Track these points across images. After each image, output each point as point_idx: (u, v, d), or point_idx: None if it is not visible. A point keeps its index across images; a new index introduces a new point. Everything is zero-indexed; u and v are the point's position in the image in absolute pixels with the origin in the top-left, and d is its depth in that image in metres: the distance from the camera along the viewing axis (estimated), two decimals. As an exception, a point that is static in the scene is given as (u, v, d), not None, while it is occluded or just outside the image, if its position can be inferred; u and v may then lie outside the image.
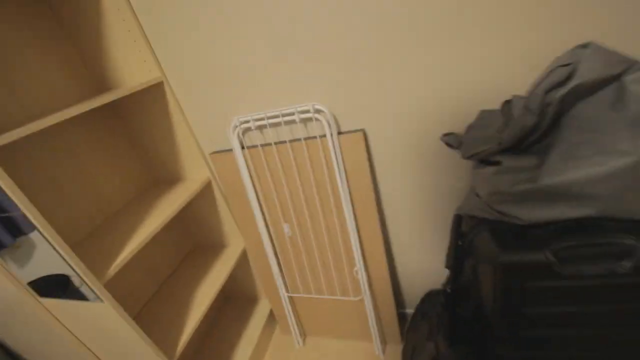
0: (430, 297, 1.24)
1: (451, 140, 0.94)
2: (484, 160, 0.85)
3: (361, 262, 1.21)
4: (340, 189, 1.10)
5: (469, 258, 0.96)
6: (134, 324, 0.94)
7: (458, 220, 1.05)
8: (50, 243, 0.77)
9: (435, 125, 0.99)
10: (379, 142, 1.06)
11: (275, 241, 1.32)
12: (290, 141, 1.09)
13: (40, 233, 0.76)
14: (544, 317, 0.87)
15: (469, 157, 0.87)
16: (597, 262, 0.75)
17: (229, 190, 1.27)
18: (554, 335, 0.90)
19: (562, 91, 0.69)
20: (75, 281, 0.84)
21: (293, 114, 1.04)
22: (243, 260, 1.55)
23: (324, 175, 1.11)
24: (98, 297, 0.86)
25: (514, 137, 0.75)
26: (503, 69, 0.86)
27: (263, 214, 1.27)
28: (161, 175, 1.37)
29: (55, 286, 0.88)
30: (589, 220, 0.78)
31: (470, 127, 0.91)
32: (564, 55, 0.73)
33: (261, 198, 1.24)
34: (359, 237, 1.18)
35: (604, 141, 0.67)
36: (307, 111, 1.03)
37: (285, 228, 1.27)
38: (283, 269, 1.37)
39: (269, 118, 1.08)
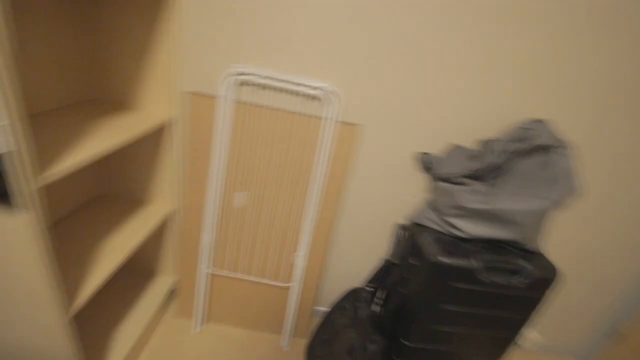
0: (351, 294, 1.35)
1: (426, 159, 1.13)
2: (448, 180, 1.06)
3: (306, 249, 1.24)
4: (316, 174, 1.14)
5: (410, 257, 1.13)
6: (51, 252, 0.72)
7: (401, 227, 1.23)
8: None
9: (413, 144, 1.17)
10: (368, 142, 1.17)
11: (219, 210, 1.22)
12: (287, 112, 1.09)
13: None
14: (453, 315, 1.10)
15: (441, 176, 1.07)
16: (504, 275, 1.02)
17: (192, 140, 1.14)
18: (454, 332, 1.14)
19: (519, 146, 0.97)
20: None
21: (305, 86, 1.06)
22: (162, 225, 1.35)
23: (304, 155, 1.14)
24: (24, 204, 0.63)
25: (483, 169, 0.98)
26: (482, 119, 1.11)
27: (220, 176, 1.17)
28: (107, 93, 1.11)
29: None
30: (501, 243, 1.06)
31: (444, 154, 1.13)
32: (526, 122, 1.03)
33: (225, 159, 1.15)
34: (316, 223, 1.22)
35: (534, 188, 0.96)
36: (320, 90, 1.06)
37: (238, 197, 1.20)
38: (215, 242, 1.27)
39: (277, 80, 1.05)
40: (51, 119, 0.92)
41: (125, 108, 1.12)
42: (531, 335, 1.55)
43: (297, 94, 1.09)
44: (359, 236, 1.36)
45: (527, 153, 0.99)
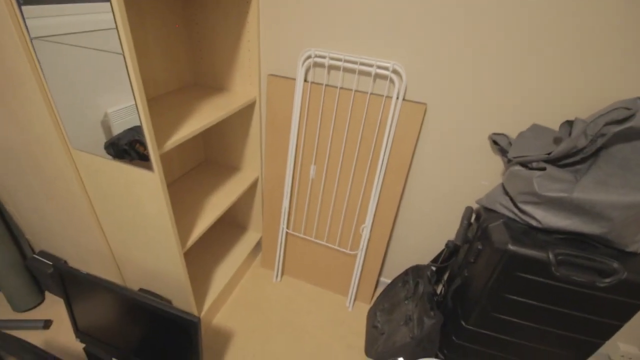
0: (414, 270, 1.39)
1: (500, 140, 1.05)
2: (524, 165, 0.97)
3: (371, 221, 1.31)
4: (382, 150, 1.18)
5: (477, 242, 1.10)
6: (169, 200, 0.96)
7: (470, 211, 1.18)
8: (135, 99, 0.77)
9: (487, 125, 1.09)
10: (434, 121, 1.15)
11: (297, 179, 1.38)
12: (355, 91, 1.14)
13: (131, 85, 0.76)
14: (519, 306, 1.04)
15: (515, 158, 0.99)
16: (584, 273, 0.92)
17: (272, 117, 1.29)
18: (519, 323, 1.08)
19: (618, 128, 0.82)
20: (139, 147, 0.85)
21: (371, 65, 1.09)
22: (250, 188, 1.59)
23: (372, 133, 1.18)
24: (151, 166, 0.87)
25: (563, 153, 0.88)
26: (574, 93, 0.97)
27: (296, 150, 1.31)
28: (205, 78, 1.35)
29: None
30: (585, 238, 0.94)
31: (521, 135, 1.03)
32: (627, 101, 0.86)
33: (300, 134, 1.28)
34: (379, 198, 1.28)
35: (631, 178, 0.82)
36: (386, 68, 1.08)
37: (313, 170, 1.33)
38: (292, 207, 1.44)
39: (345, 61, 1.11)
40: (165, 101, 1.18)
41: (221, 90, 1.33)
42: (623, 348, 1.33)
43: (365, 73, 1.13)
44: (427, 215, 1.36)
45: (626, 137, 0.83)
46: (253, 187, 1.57)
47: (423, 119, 1.14)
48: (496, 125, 1.09)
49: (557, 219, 0.92)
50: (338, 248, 1.45)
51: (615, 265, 0.90)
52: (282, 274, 1.66)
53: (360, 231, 1.37)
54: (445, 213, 1.33)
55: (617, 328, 1.00)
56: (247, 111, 1.36)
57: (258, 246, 1.74)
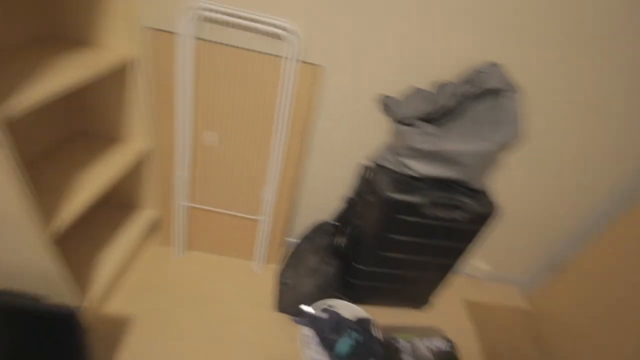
0: (318, 227, 1.49)
1: (388, 101, 1.17)
2: (403, 122, 1.11)
3: (275, 184, 1.33)
4: (282, 113, 1.18)
5: (368, 194, 1.23)
6: (26, 180, 0.79)
7: (365, 168, 1.31)
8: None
9: (378, 87, 1.19)
10: (331, 82, 1.19)
11: (191, 147, 1.28)
12: (251, 51, 1.09)
13: None
14: (400, 243, 1.23)
15: (397, 118, 1.12)
16: (447, 210, 1.13)
17: (157, 79, 1.15)
18: (400, 258, 1.28)
19: (472, 90, 1.00)
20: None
21: (265, 23, 1.05)
22: (138, 162, 1.42)
23: (270, 95, 1.17)
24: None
25: (435, 112, 1.03)
26: (441, 61, 1.12)
27: (187, 115, 1.21)
28: (64, 29, 1.09)
29: None
30: (448, 181, 1.15)
31: (403, 97, 1.16)
32: (484, 66, 1.05)
33: (190, 98, 1.18)
34: (281, 161, 1.30)
35: (481, 130, 1.02)
36: (283, 28, 1.06)
37: (208, 136, 1.25)
38: (190, 178, 1.35)
39: (237, 17, 1.04)
40: (5, 57, 0.93)
41: (84, 44, 1.11)
42: (479, 264, 1.73)
43: (260, 32, 1.08)
44: (327, 174, 1.45)
45: (478, 96, 1.03)
46: (141, 160, 1.40)
47: (320, 81, 1.17)
48: (385, 88, 1.19)
49: (429, 168, 1.09)
50: (243, 215, 1.44)
51: (468, 201, 1.13)
52: (186, 249, 1.58)
53: (263, 194, 1.38)
54: (345, 171, 1.43)
55: (469, 249, 1.28)
56: (123, 71, 1.18)
57: (156, 224, 1.60)
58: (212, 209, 1.43)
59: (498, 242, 1.65)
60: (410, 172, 1.13)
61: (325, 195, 1.52)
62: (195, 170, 1.33)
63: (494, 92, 1.02)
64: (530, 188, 1.44)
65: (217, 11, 1.03)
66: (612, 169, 1.37)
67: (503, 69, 1.02)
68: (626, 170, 1.38)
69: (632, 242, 1.33)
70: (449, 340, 1.23)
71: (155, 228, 1.61)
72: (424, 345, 1.21)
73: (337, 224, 1.42)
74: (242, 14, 1.04)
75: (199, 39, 1.08)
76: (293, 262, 1.49)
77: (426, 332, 1.26)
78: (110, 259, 1.32)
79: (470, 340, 1.52)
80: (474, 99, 1.04)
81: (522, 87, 1.15)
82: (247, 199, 1.40)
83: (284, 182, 1.36)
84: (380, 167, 1.21)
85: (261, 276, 1.56)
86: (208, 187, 1.38)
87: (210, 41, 1.08)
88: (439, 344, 1.21)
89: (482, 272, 1.76)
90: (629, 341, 1.25)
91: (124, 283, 1.38)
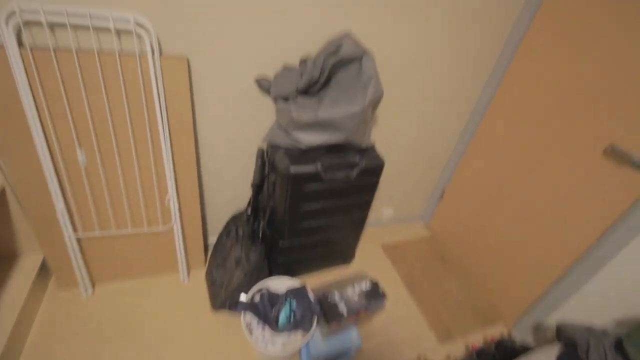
0: (233, 219, 1.49)
1: (263, 83, 1.21)
2: (285, 99, 1.17)
3: (174, 189, 1.28)
4: (158, 114, 1.12)
5: (271, 175, 1.28)
6: None
7: (261, 151, 1.35)
8: None
9: (251, 70, 1.21)
10: (203, 72, 1.16)
11: (63, 171, 1.14)
12: (100, 52, 1.00)
13: None
14: (313, 212, 1.33)
15: (275, 97, 1.17)
16: (342, 171, 1.25)
17: (-9, 103, 0.97)
18: (314, 225, 1.39)
19: (333, 60, 1.11)
20: None
21: (107, 19, 0.96)
22: (-2, 205, 1.20)
23: (139, 97, 1.09)
24: None
25: (306, 85, 1.11)
26: (302, 37, 1.19)
27: (47, 137, 1.07)
28: None
29: None
30: (339, 145, 1.27)
31: (276, 76, 1.21)
32: (335, 36, 1.15)
33: (46, 116, 1.04)
34: (173, 163, 1.24)
35: (351, 95, 1.14)
36: (126, 21, 0.98)
37: (80, 154, 1.13)
38: (72, 206, 1.21)
39: (70, 15, 0.93)
40: None
41: None
42: (386, 212, 1.97)
43: (103, 29, 0.99)
44: (228, 166, 1.44)
45: (341, 64, 1.14)
46: None
47: (187, 73, 1.14)
48: (258, 69, 1.22)
49: (315, 137, 1.18)
50: (149, 230, 1.36)
51: (357, 159, 1.27)
52: (96, 284, 1.43)
53: (167, 203, 1.32)
54: (244, 159, 1.44)
55: (371, 201, 1.45)
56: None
57: (45, 269, 1.40)
58: (110, 233, 1.31)
59: (395, 188, 1.89)
60: (300, 146, 1.21)
61: (233, 188, 1.53)
62: (78, 195, 1.19)
63: (353, 58, 1.14)
64: (404, 135, 1.67)
65: (44, 12, 0.91)
66: (455, 109, 1.68)
67: (355, 37, 1.15)
68: (466, 109, 1.70)
69: (481, 161, 1.68)
70: (371, 279, 1.40)
71: (47, 273, 1.41)
72: (353, 291, 1.35)
73: (251, 211, 1.45)
74: (76, 12, 0.93)
75: (33, 48, 0.95)
76: (217, 259, 1.48)
77: (354, 280, 1.41)
78: (2, 318, 1.13)
79: (391, 273, 1.76)
80: (339, 67, 1.15)
81: (373, 50, 1.31)
82: (150, 213, 1.32)
83: (185, 184, 1.31)
84: (274, 147, 1.26)
85: (190, 284, 1.52)
86: (99, 210, 1.25)
87: (47, 49, 0.95)
88: (363, 285, 1.37)
89: (389, 217, 2.01)
90: (501, 237, 1.61)
91: (25, 345, 1.20)
